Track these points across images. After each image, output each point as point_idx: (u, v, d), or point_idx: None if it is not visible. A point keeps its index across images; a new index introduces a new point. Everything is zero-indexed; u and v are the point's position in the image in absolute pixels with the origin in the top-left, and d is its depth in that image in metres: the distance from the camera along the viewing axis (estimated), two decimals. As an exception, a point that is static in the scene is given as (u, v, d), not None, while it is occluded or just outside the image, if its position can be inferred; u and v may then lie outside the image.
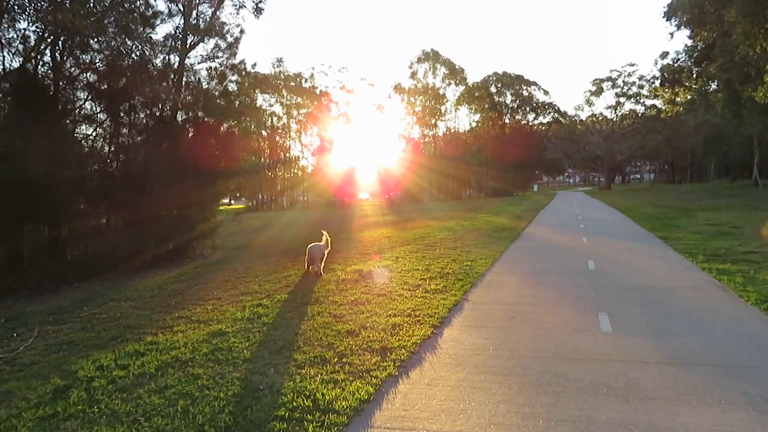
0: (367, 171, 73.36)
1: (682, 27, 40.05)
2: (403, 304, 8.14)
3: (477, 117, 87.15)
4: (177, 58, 18.46)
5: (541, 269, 11.19)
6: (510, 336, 6.38)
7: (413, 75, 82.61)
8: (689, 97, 69.81)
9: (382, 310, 7.81)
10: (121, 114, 17.27)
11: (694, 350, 5.61)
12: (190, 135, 18.58)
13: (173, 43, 18.20)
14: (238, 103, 20.98)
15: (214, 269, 14.45)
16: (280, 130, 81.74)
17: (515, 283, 9.75)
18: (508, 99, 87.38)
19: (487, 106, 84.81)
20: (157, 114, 18.03)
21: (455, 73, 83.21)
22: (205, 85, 20.05)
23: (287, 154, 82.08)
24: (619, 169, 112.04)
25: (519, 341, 6.16)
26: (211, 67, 19.46)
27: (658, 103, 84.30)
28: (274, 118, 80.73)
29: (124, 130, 17.70)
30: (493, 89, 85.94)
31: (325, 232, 12.32)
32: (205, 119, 19.62)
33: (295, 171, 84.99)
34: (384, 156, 75.02)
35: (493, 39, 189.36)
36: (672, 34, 47.00)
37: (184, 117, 19.07)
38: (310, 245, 11.92)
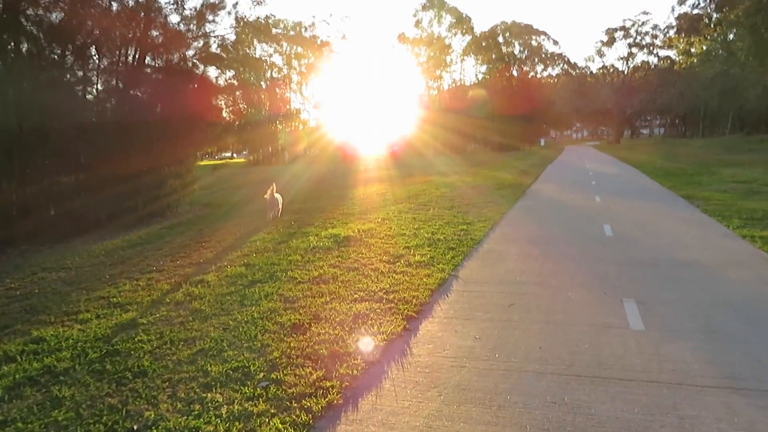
0: (371, 125, 71.28)
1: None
2: (376, 283, 6.51)
3: (483, 68, 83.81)
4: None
5: (549, 235, 9.51)
6: (507, 335, 4.76)
7: (418, 24, 79.06)
8: (705, 47, 66.65)
9: (347, 292, 6.18)
10: (85, 59, 15.41)
11: (766, 365, 3.97)
12: (160, 82, 16.66)
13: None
14: (217, 46, 18.91)
15: (179, 231, 12.84)
16: (280, 82, 79.15)
17: (517, 253, 8.08)
18: (516, 50, 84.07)
19: (494, 56, 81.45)
20: (123, 59, 16.10)
21: (462, 22, 79.54)
22: (179, 26, 18.00)
23: (288, 107, 79.58)
24: (629, 124, 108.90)
25: (519, 344, 4.53)
26: (181, 3, 17.31)
27: (672, 54, 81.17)
28: (274, 70, 78.21)
29: (90, 74, 15.86)
30: (500, 39, 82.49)
31: (273, 185, 13.25)
32: (180, 64, 17.69)
33: (297, 124, 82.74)
34: (388, 109, 72.55)
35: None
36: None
37: (154, 62, 17.13)
38: (266, 196, 13.14)
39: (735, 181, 16.99)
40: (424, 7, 78.86)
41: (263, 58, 76.80)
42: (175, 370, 4.21)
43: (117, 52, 15.76)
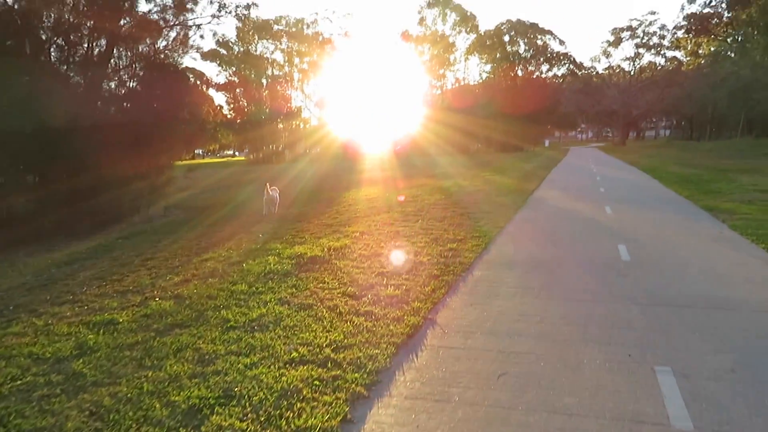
0: (375, 123, 70.04)
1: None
2: (327, 333, 4.97)
3: (488, 68, 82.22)
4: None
5: (553, 258, 7.96)
6: (492, 436, 3.23)
7: (422, 21, 77.41)
8: (713, 48, 64.91)
9: (285, 347, 4.65)
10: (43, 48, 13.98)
11: None
12: (128, 76, 15.19)
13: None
14: (198, 38, 17.34)
15: (133, 243, 11.35)
16: (281, 79, 77.82)
17: (514, 285, 6.54)
18: (522, 49, 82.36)
19: (498, 56, 79.89)
20: (85, 49, 14.60)
21: (466, 20, 77.90)
22: (152, 15, 16.48)
23: (289, 105, 78.09)
24: (635, 125, 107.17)
25: (509, 457, 3.01)
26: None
27: (679, 54, 79.72)
28: (275, 67, 76.99)
29: (47, 66, 14.38)
30: (505, 38, 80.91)
31: (267, 185, 14.25)
32: (153, 57, 16.19)
33: (299, 123, 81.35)
34: (392, 108, 71.04)
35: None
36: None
37: (119, 52, 15.60)
38: (269, 193, 14.14)
39: (758, 190, 15.41)
40: (429, 5, 77.29)
41: (264, 56, 75.51)
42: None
43: (77, 44, 14.29)
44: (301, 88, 79.01)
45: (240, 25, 71.64)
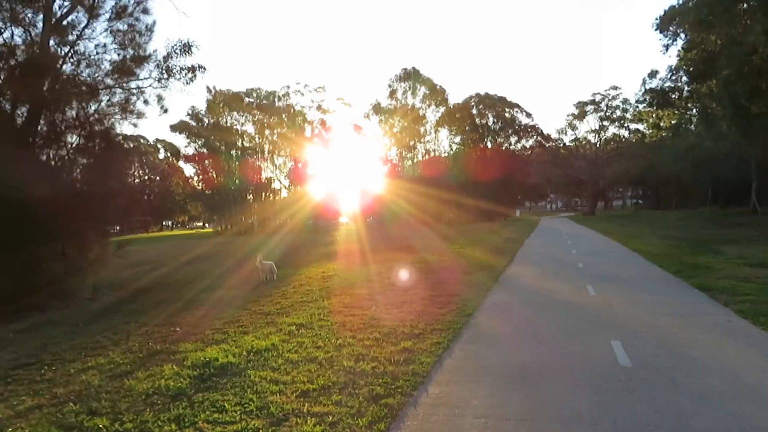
0: (345, 193, 69.46)
1: (680, 35, 36.27)
2: None
3: (458, 139, 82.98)
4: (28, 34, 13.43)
5: (533, 363, 6.18)
6: None
7: (392, 94, 78.19)
8: (673, 122, 66.58)
9: None
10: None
11: None
12: (47, 141, 13.49)
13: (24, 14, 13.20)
14: (134, 102, 15.88)
15: (22, 340, 9.30)
16: (250, 151, 77.17)
17: (483, 413, 4.71)
18: (490, 121, 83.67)
19: (468, 128, 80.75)
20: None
21: (436, 94, 79.10)
22: (83, 76, 14.95)
23: (259, 176, 76.97)
24: (603, 195, 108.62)
25: None
26: (85, 52, 14.33)
27: (642, 127, 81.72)
28: (245, 139, 76.50)
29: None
30: (474, 111, 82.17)
31: (258, 257, 15.31)
32: (83, 123, 14.57)
33: (268, 194, 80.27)
34: (362, 178, 70.52)
35: (475, 59, 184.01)
36: (667, 47, 42.49)
37: (48, 118, 13.95)
38: (262, 264, 15.18)
39: (750, 264, 14.06)
40: (400, 78, 78.36)
41: (234, 128, 75.03)
42: None
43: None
44: (272, 159, 78.23)
45: (209, 97, 71.38)
